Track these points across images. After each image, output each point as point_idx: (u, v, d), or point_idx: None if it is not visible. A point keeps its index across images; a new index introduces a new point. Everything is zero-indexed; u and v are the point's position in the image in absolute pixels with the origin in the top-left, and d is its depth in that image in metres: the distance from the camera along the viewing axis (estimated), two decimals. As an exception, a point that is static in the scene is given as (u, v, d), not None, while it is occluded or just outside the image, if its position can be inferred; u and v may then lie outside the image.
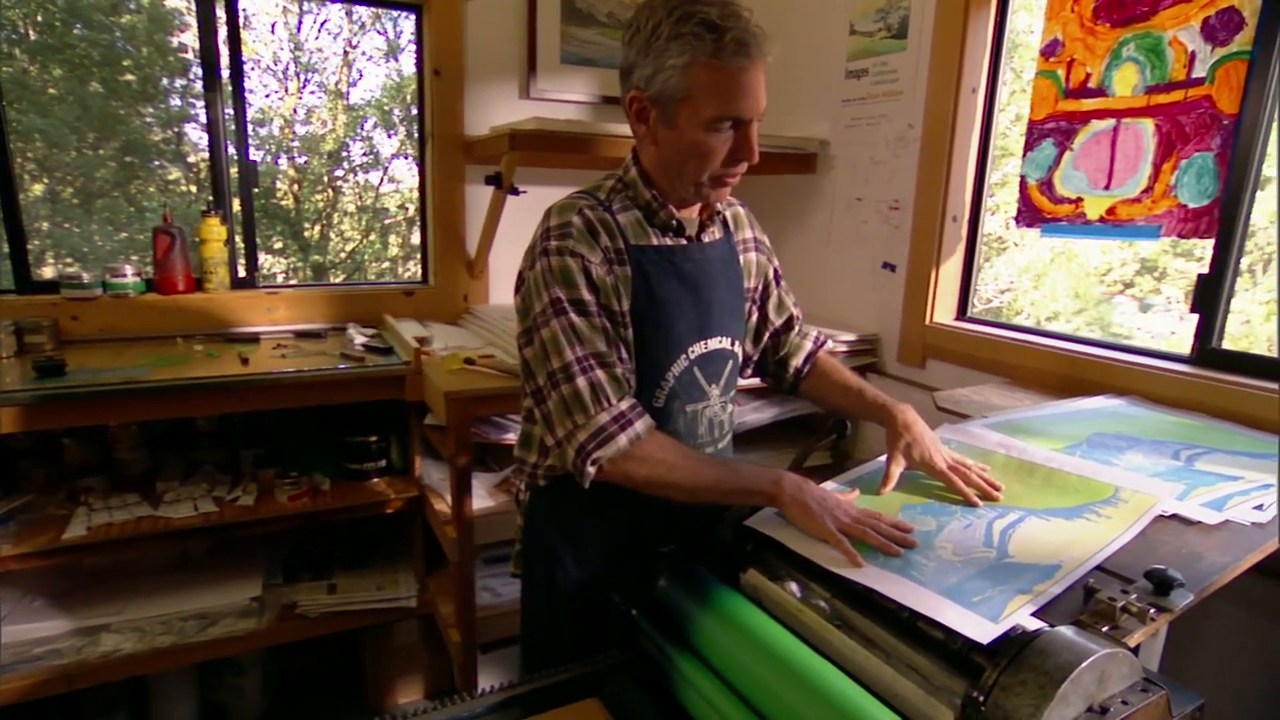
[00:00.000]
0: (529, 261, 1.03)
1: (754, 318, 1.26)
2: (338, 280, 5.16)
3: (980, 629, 0.72)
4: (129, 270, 1.99)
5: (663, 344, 1.06)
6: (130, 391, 1.59)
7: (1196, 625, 1.35)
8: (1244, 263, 2.89)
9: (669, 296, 1.06)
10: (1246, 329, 2.95)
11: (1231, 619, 1.32)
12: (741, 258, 1.20)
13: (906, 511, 0.98)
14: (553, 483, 1.12)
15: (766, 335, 1.28)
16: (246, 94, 2.11)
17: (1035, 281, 4.10)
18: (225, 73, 2.08)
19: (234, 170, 2.16)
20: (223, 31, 2.07)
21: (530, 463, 1.13)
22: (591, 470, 0.96)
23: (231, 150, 2.14)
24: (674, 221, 1.07)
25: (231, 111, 2.11)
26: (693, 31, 0.93)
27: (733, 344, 1.16)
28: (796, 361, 1.28)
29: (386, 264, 5.46)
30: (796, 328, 1.30)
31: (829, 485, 1.05)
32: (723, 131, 0.99)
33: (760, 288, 1.25)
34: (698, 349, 1.10)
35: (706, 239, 1.12)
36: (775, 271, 1.27)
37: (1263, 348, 1.65)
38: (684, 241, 1.09)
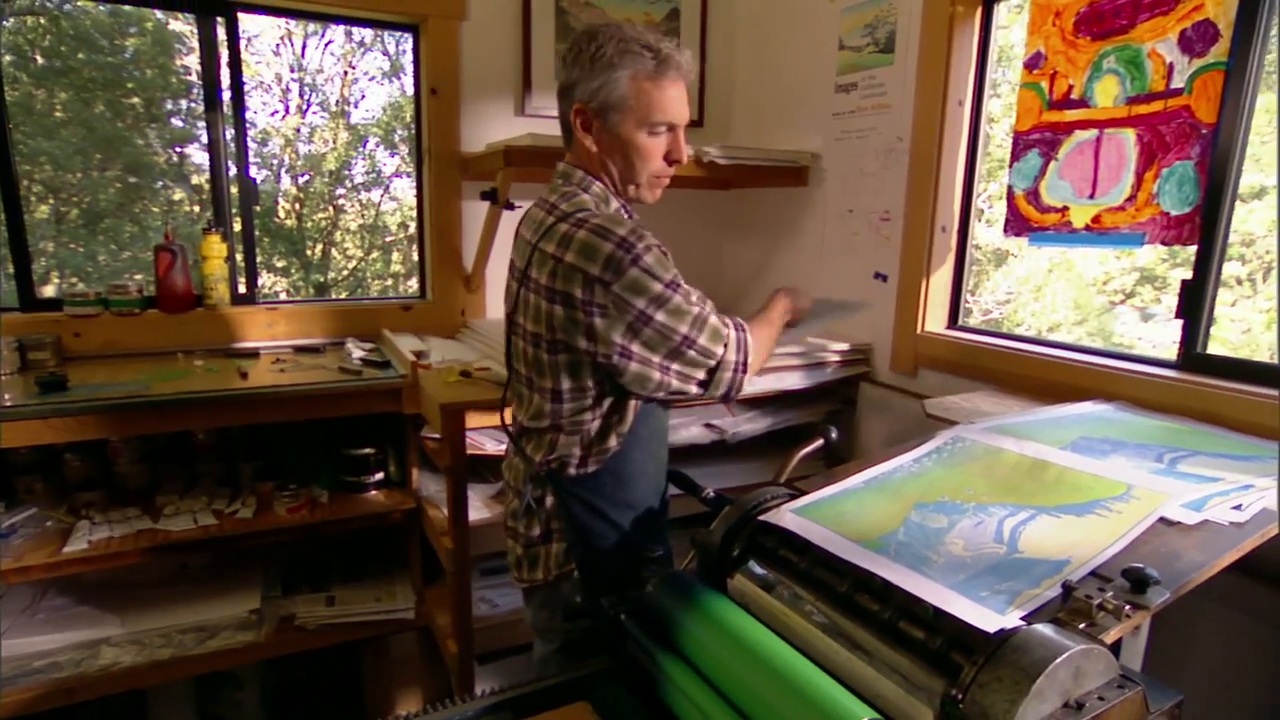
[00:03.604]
0: (614, 271, 1.08)
1: None
2: (341, 297, 5.20)
3: (987, 619, 0.74)
4: (131, 287, 2.02)
5: None
6: (130, 406, 1.61)
7: (1186, 625, 1.35)
8: (1244, 271, 2.91)
9: None
10: (1248, 338, 2.96)
11: (1220, 619, 1.32)
12: None
13: (919, 510, 1.00)
14: (607, 465, 1.21)
15: None
16: (247, 114, 2.15)
17: (1035, 292, 4.12)
18: (226, 94, 2.12)
19: (234, 189, 2.20)
20: (224, 54, 2.11)
21: (576, 457, 1.21)
22: (744, 379, 1.17)
23: (233, 169, 2.18)
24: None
25: (232, 131, 2.14)
26: (635, 51, 1.13)
27: None
28: None
29: (389, 281, 5.50)
30: None
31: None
32: (660, 135, 1.18)
33: None
34: None
35: None
36: None
37: (1265, 355, 1.66)
38: None
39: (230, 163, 2.17)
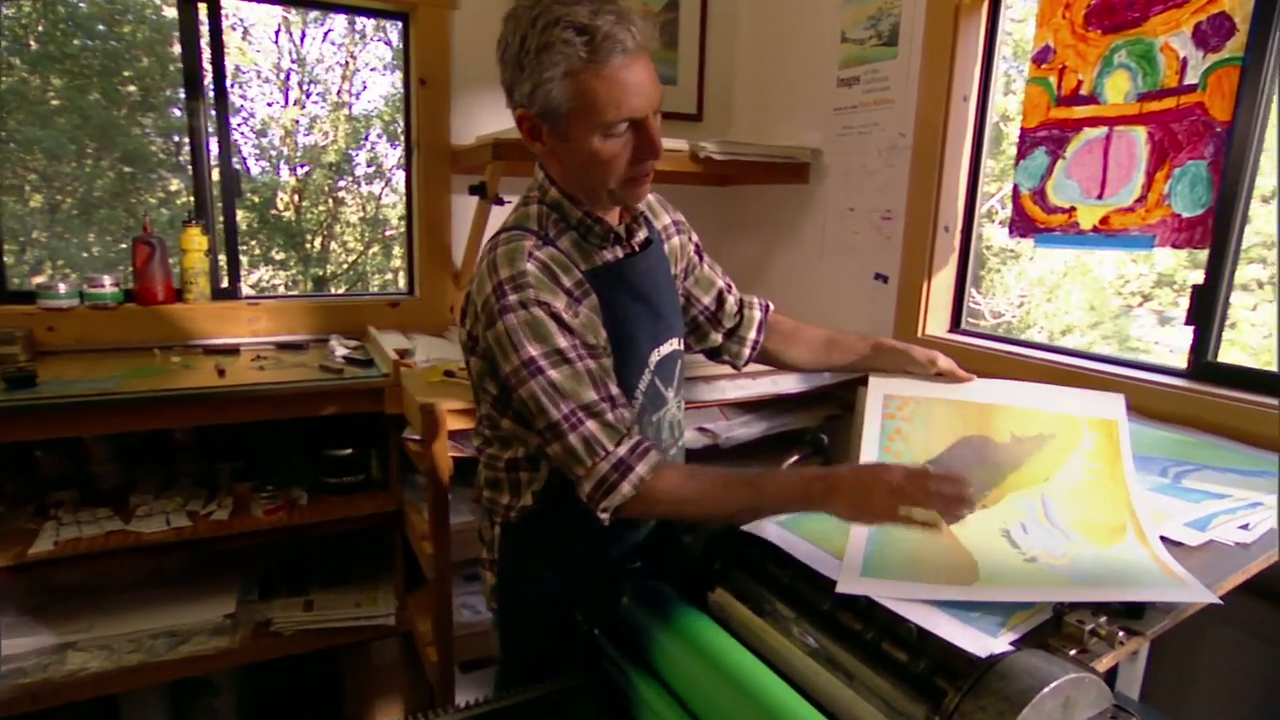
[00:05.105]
0: (485, 320, 0.97)
1: (681, 301, 1.25)
2: (339, 292, 5.20)
3: (978, 643, 0.71)
4: (107, 280, 2.00)
5: (629, 365, 1.05)
6: (100, 403, 1.59)
7: (1188, 649, 1.32)
8: (1265, 274, 2.86)
9: (628, 315, 1.05)
10: (1268, 343, 2.92)
11: (1225, 642, 1.29)
12: (665, 246, 1.19)
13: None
14: (526, 519, 1.11)
15: (699, 315, 1.27)
16: (233, 101, 2.13)
17: (1049, 294, 4.08)
18: (215, 82, 2.10)
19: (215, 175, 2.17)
20: (206, 38, 2.09)
21: (503, 504, 1.12)
22: (605, 517, 0.95)
23: (218, 159, 2.16)
24: (611, 234, 1.06)
25: (215, 118, 2.12)
26: (561, 38, 0.89)
27: (679, 341, 1.16)
28: (750, 334, 1.29)
29: (389, 276, 5.49)
30: (732, 299, 1.28)
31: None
32: (619, 135, 0.95)
33: (684, 269, 1.25)
34: (654, 358, 1.09)
35: (636, 242, 1.11)
36: (696, 246, 1.27)
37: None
38: (624, 252, 1.08)
39: (210, 146, 2.13)
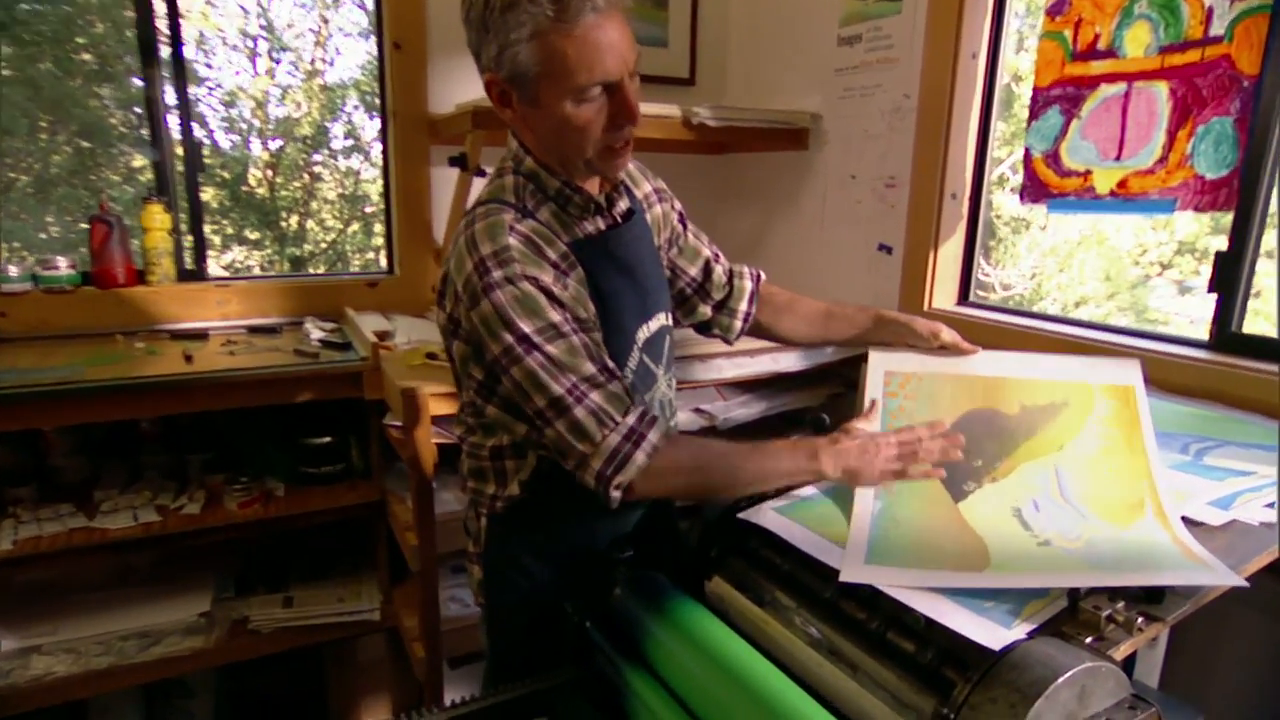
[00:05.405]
0: (468, 300, 0.95)
1: (666, 274, 1.23)
2: (319, 272, 5.15)
3: (991, 634, 0.70)
4: (62, 262, 1.97)
5: (616, 344, 1.04)
6: (59, 393, 1.57)
7: (1210, 633, 1.32)
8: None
9: (614, 289, 1.03)
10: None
11: (1250, 626, 1.29)
12: (648, 215, 1.17)
13: None
14: (513, 509, 1.10)
15: (686, 287, 1.26)
16: (192, 69, 2.09)
17: (1062, 264, 4.07)
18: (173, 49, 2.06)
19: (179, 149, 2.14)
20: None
21: (488, 494, 1.11)
22: (617, 495, 0.95)
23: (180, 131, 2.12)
24: (592, 204, 1.04)
25: (173, 88, 2.08)
26: None
27: (667, 317, 1.16)
28: (741, 305, 1.27)
29: (371, 255, 5.44)
30: (720, 269, 1.27)
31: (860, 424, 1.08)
32: (593, 100, 0.93)
33: (668, 240, 1.23)
34: (643, 335, 1.08)
35: (618, 212, 1.09)
36: (680, 215, 1.25)
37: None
38: (606, 224, 1.07)
39: (169, 118, 2.09)
